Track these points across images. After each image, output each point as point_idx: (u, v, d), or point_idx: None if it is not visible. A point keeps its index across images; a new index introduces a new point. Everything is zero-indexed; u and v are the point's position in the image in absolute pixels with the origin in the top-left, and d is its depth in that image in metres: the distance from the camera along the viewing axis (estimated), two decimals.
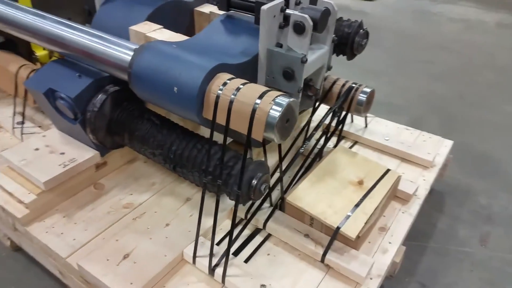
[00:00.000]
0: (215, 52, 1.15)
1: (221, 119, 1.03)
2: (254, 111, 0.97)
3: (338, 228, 1.22)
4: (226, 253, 1.14)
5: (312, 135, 1.44)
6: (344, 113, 1.56)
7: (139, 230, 1.28)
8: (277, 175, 1.37)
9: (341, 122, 1.57)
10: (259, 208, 1.33)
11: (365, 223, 1.25)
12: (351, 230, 1.22)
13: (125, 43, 1.22)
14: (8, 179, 1.36)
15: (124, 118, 1.32)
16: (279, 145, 1.25)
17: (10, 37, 1.66)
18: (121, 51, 1.18)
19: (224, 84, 1.02)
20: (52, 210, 1.35)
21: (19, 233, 1.36)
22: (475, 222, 1.73)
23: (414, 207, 1.45)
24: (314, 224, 1.29)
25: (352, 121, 1.83)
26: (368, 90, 1.53)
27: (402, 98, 2.63)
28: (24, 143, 1.46)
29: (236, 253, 1.26)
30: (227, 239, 1.28)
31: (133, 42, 1.31)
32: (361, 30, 1.43)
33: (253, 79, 1.22)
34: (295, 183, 1.38)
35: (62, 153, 1.40)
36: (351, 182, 1.38)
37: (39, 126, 1.71)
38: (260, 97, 0.98)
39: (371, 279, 1.19)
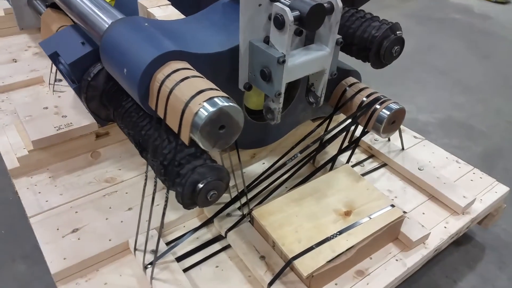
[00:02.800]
0: (186, 38, 1.05)
1: (161, 112, 0.93)
2: (184, 108, 0.85)
3: (291, 259, 1.05)
4: (155, 254, 1.06)
5: (308, 146, 1.27)
6: (360, 128, 1.34)
7: (101, 207, 1.26)
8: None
9: (355, 140, 1.36)
10: (220, 212, 1.22)
11: (328, 262, 1.06)
12: (305, 265, 1.04)
13: (115, 14, 1.17)
14: (15, 132, 1.44)
15: (113, 92, 1.29)
16: (238, 153, 1.12)
17: None
18: (104, 22, 1.14)
19: (172, 73, 0.91)
20: (43, 168, 1.40)
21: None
22: None
23: (414, 257, 1.19)
24: (276, 247, 1.13)
25: (388, 139, 1.57)
26: (395, 107, 1.28)
27: (488, 123, 2.21)
28: (39, 100, 1.53)
29: (185, 256, 1.17)
30: (183, 238, 1.21)
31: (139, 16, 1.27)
32: (392, 35, 1.18)
33: (232, 74, 1.08)
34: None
35: (64, 116, 1.44)
36: (336, 210, 1.18)
37: None
38: (197, 94, 0.85)
39: None
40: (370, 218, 1.16)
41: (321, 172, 1.37)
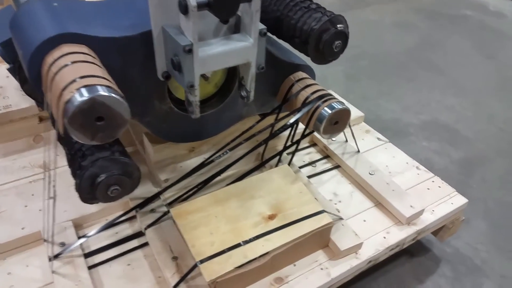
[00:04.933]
0: (97, 20, 0.98)
1: (48, 98, 0.87)
2: (60, 95, 0.79)
3: (198, 262, 0.99)
4: (52, 247, 1.02)
5: (240, 143, 1.19)
6: (298, 127, 1.25)
7: (23, 193, 1.22)
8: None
9: (297, 140, 1.27)
10: (139, 207, 1.16)
11: (237, 268, 0.99)
12: (210, 270, 0.97)
13: None
14: None
15: None
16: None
17: None
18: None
19: (61, 57, 0.85)
20: None
21: None
22: None
23: (341, 268, 1.11)
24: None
25: (346, 140, 1.48)
26: (338, 106, 1.18)
27: (476, 128, 2.07)
28: None
29: (99, 251, 1.12)
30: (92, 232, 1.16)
31: None
32: (332, 28, 1.09)
33: (149, 61, 1.02)
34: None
35: (6, 97, 1.40)
36: (260, 213, 1.10)
37: None
38: (75, 81, 0.79)
39: None
40: (294, 224, 1.08)
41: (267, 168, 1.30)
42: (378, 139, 1.55)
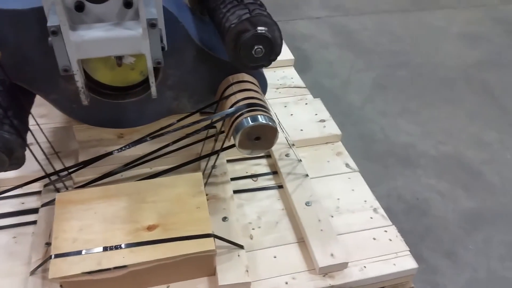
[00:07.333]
0: None
1: None
2: None
3: (52, 255, 0.93)
4: None
5: (140, 141, 1.09)
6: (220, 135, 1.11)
7: None
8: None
9: (215, 151, 1.13)
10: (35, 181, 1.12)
11: (86, 274, 0.92)
12: (57, 268, 0.91)
13: None
14: None
15: None
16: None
17: None
18: None
19: None
20: None
21: None
22: None
23: None
24: None
25: (299, 159, 1.30)
26: (261, 120, 1.01)
27: (508, 176, 1.71)
28: None
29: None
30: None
31: None
32: (252, 30, 0.92)
33: (46, 38, 0.95)
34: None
35: None
36: (141, 220, 1.01)
37: None
38: None
39: None
40: (171, 242, 0.97)
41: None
42: (347, 165, 1.34)
